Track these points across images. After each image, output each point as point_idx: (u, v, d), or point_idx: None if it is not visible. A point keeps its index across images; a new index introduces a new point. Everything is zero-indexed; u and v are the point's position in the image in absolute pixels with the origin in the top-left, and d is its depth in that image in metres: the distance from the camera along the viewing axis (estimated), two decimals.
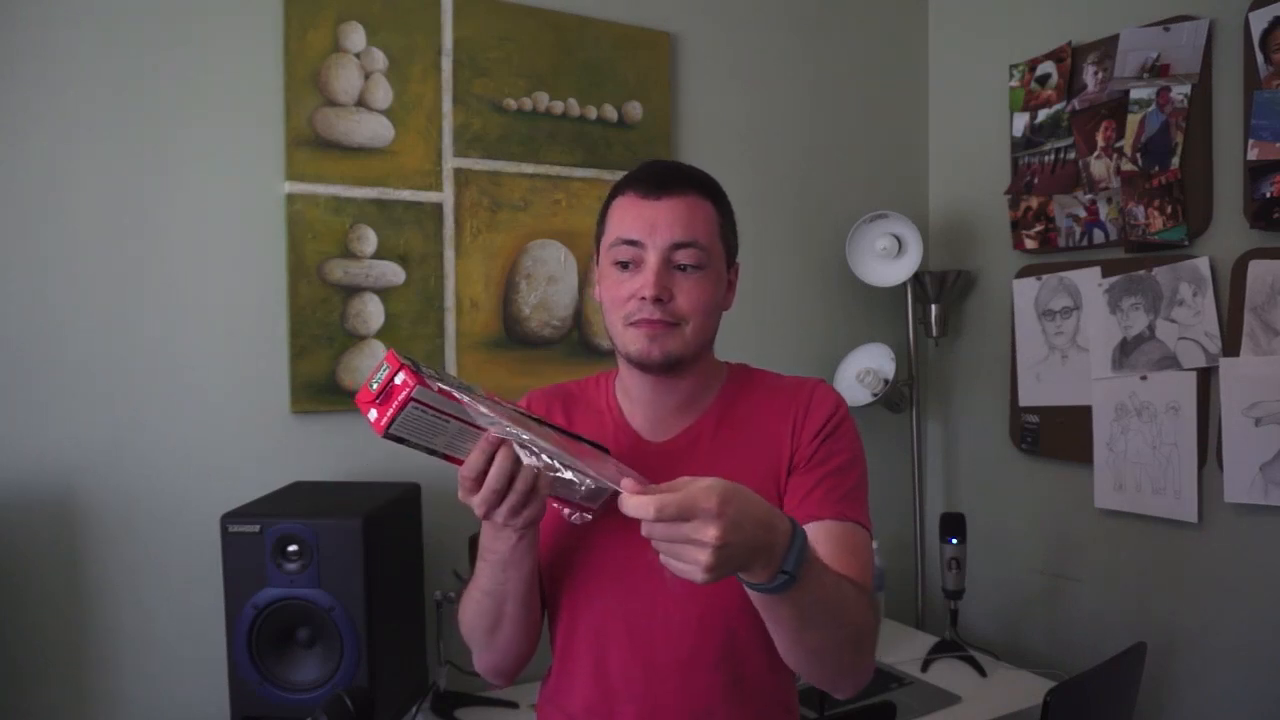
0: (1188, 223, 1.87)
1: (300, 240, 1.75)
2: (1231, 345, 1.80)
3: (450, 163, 1.89)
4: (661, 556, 0.77)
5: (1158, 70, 1.91)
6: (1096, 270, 2.05)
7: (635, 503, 0.73)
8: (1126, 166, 1.96)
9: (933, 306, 2.33)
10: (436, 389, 0.84)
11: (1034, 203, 2.17)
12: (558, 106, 2.00)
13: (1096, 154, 2.02)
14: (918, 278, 2.29)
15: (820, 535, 1.02)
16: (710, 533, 0.72)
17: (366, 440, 1.55)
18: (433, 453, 0.88)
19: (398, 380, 0.83)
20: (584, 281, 2.04)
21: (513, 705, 1.72)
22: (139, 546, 1.63)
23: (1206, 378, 1.86)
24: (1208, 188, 1.85)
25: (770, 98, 2.30)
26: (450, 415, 0.86)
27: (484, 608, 1.04)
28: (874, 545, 1.13)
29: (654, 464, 1.09)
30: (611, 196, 1.11)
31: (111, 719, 1.62)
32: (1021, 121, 2.20)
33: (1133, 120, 1.95)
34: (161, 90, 1.65)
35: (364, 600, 1.43)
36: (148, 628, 1.64)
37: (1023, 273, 2.23)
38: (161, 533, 1.65)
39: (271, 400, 1.74)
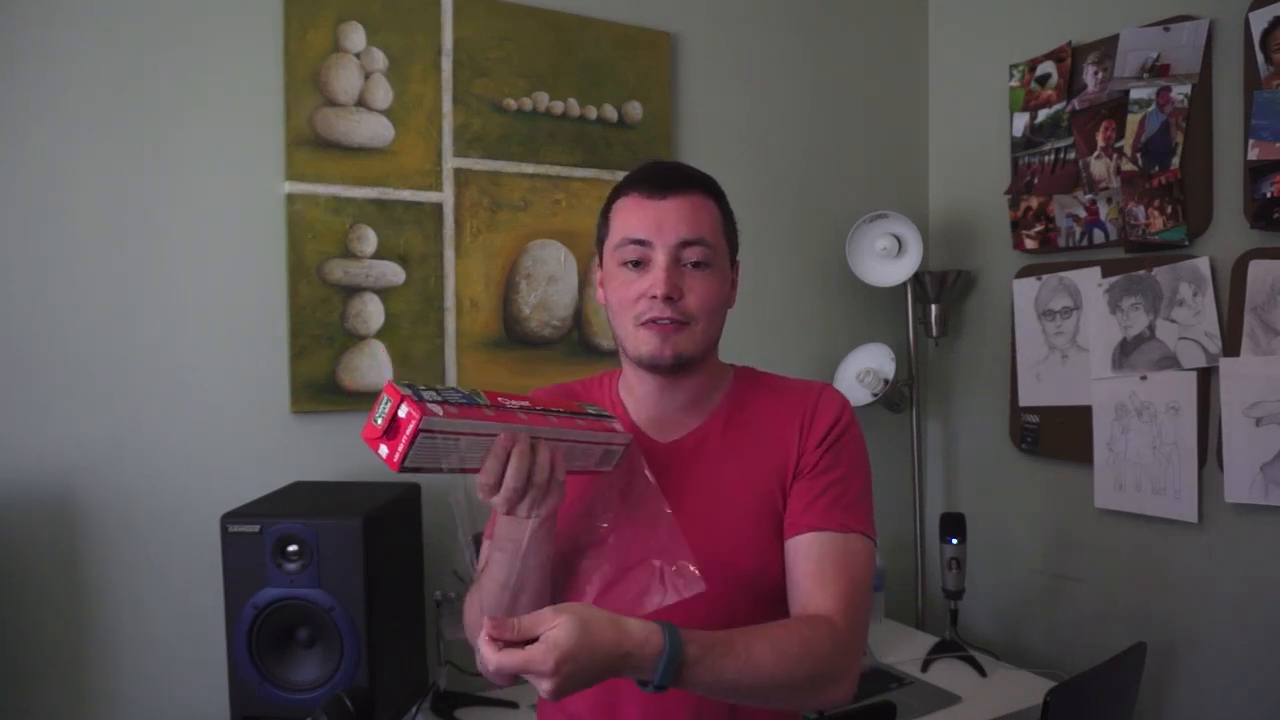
0: (1188, 223, 1.87)
1: (300, 240, 1.75)
2: (1231, 345, 1.80)
3: (450, 163, 1.89)
4: None
5: (1158, 70, 1.91)
6: (1096, 270, 2.05)
7: (486, 656, 0.79)
8: (1126, 166, 1.96)
9: (933, 306, 2.33)
10: (441, 413, 0.84)
11: (1034, 203, 2.17)
12: (558, 106, 2.00)
13: (1096, 154, 2.02)
14: (918, 278, 2.29)
15: (815, 550, 1.03)
16: (545, 686, 0.79)
17: None
18: (449, 471, 0.88)
19: (401, 414, 0.83)
20: (584, 281, 2.04)
21: (513, 705, 1.72)
22: (139, 546, 1.64)
23: (1206, 378, 1.86)
24: (1208, 188, 1.85)
25: (770, 98, 2.30)
26: (459, 433, 0.86)
27: (496, 600, 1.02)
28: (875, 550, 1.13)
29: (661, 464, 1.10)
30: (613, 198, 1.11)
31: (111, 719, 1.62)
32: (1021, 121, 2.20)
33: (1133, 120, 1.95)
34: (161, 90, 1.65)
35: (364, 600, 1.43)
36: (148, 628, 1.64)
37: (1023, 273, 2.22)
38: (161, 533, 1.65)
39: (271, 400, 1.74)
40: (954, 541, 2.05)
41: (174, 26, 1.65)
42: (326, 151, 1.76)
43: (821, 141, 2.37)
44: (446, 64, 1.88)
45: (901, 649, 2.03)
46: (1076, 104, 2.07)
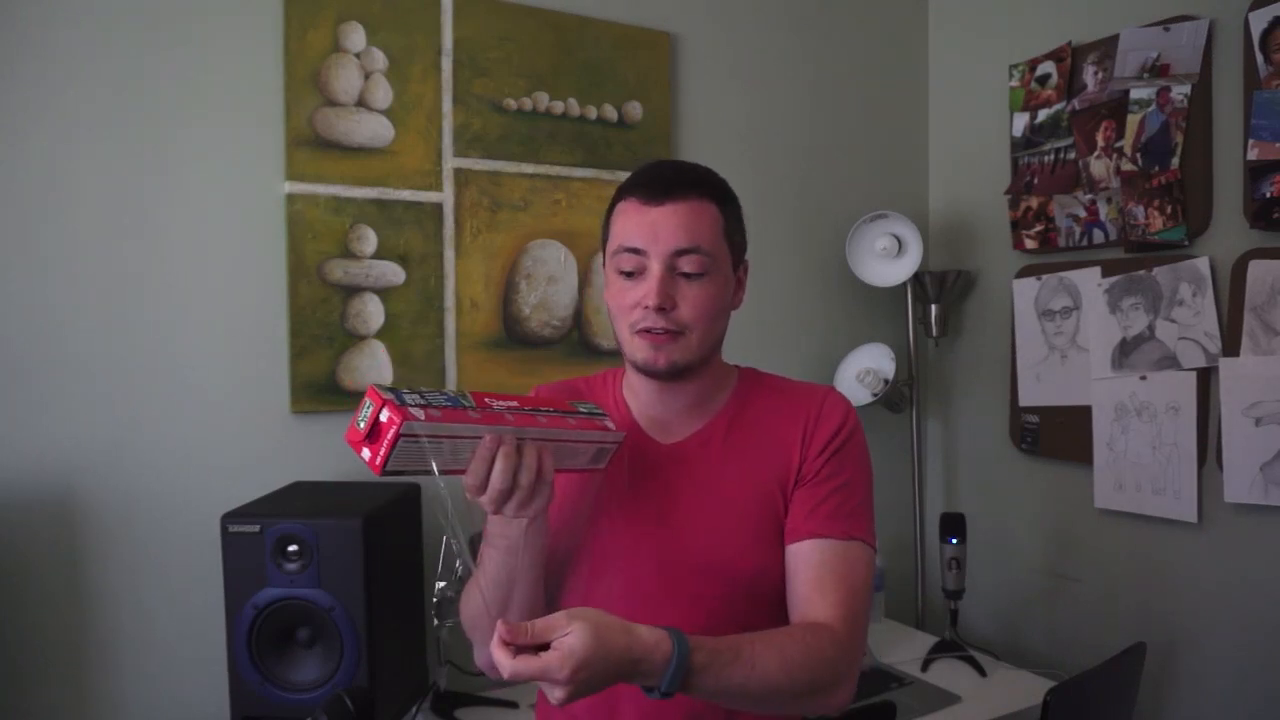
0: (1188, 223, 1.87)
1: (300, 240, 1.75)
2: (1231, 345, 1.80)
3: (450, 163, 1.89)
4: None
5: (1158, 70, 1.91)
6: (1096, 270, 2.05)
7: (499, 661, 0.80)
8: (1126, 166, 1.96)
9: (933, 306, 2.33)
10: (423, 416, 0.84)
11: (1034, 203, 2.17)
12: (558, 106, 2.00)
13: (1096, 154, 2.02)
14: (918, 278, 2.29)
15: (817, 557, 1.03)
16: (557, 693, 0.80)
17: None
18: (434, 473, 0.88)
19: (383, 418, 0.84)
20: (584, 281, 2.04)
21: (513, 705, 1.72)
22: (139, 546, 1.63)
23: (1206, 378, 1.86)
24: (1207, 188, 1.85)
25: (770, 98, 2.30)
26: (442, 436, 0.86)
27: (491, 597, 1.03)
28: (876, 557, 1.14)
29: (664, 466, 1.10)
30: (615, 200, 1.10)
31: (112, 719, 1.62)
32: (1021, 121, 2.20)
33: (1133, 120, 1.95)
34: (161, 90, 1.65)
35: (364, 600, 1.43)
36: (148, 628, 1.64)
37: (1023, 273, 2.22)
38: (161, 533, 1.65)
39: (271, 400, 1.74)
40: (954, 541, 2.05)
41: (174, 26, 1.65)
42: (326, 151, 1.76)
43: (821, 141, 2.37)
44: (446, 64, 1.88)
45: (901, 649, 2.03)
46: (1076, 104, 2.07)
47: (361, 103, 1.80)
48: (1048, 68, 2.14)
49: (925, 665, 1.95)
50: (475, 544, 1.10)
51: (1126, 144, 1.96)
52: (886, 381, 2.22)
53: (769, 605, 1.07)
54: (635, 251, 1.04)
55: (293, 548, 1.42)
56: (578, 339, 2.04)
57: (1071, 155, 2.09)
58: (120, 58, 1.61)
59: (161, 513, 1.65)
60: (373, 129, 1.81)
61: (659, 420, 1.13)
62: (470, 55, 1.90)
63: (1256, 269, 1.76)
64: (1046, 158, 2.15)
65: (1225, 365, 1.80)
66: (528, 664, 0.79)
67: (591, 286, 2.04)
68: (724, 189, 1.10)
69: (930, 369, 2.51)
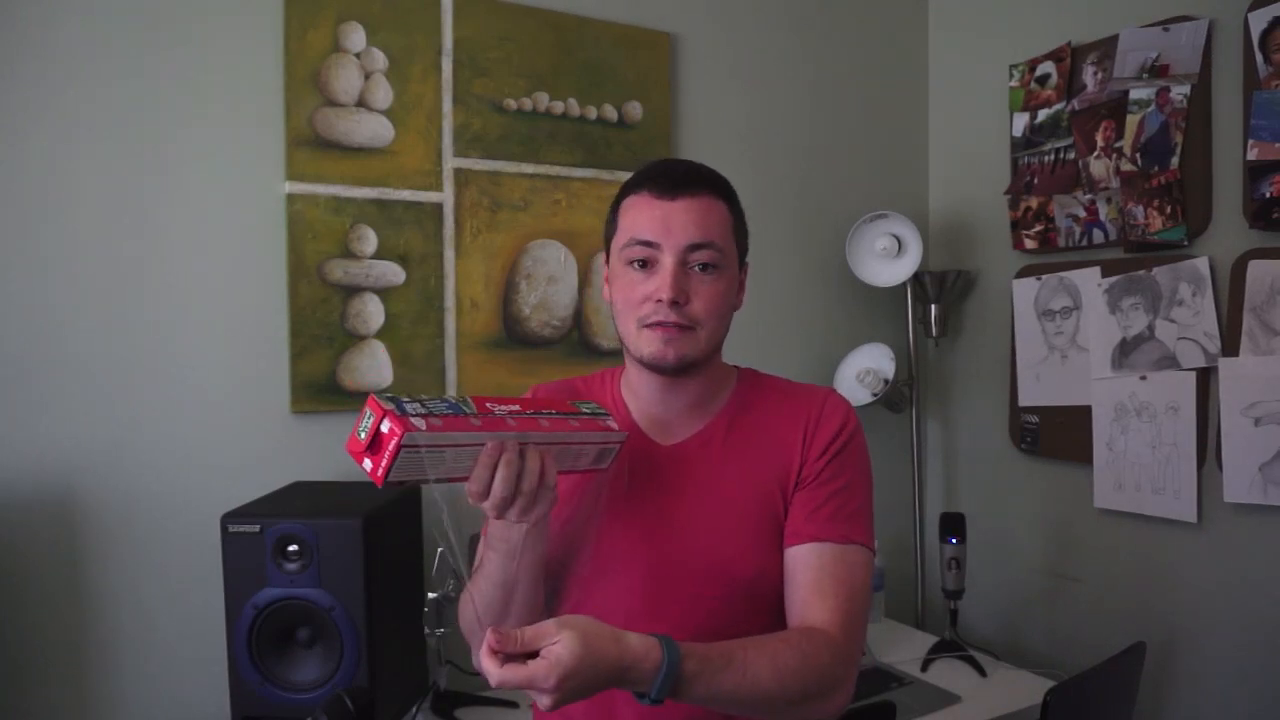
0: (1187, 223, 1.87)
1: (300, 240, 1.75)
2: (1231, 345, 1.80)
3: (450, 163, 1.89)
4: None
5: (1157, 70, 1.91)
6: (1096, 270, 2.05)
7: (487, 669, 0.80)
8: (1126, 166, 1.96)
9: (933, 306, 2.33)
10: (424, 426, 0.84)
11: (1034, 203, 2.17)
12: (558, 106, 2.00)
13: (1096, 154, 2.02)
14: (918, 278, 2.29)
15: (815, 560, 1.03)
16: (545, 700, 0.80)
17: None
18: (436, 481, 0.88)
19: (384, 429, 0.83)
20: (584, 281, 2.04)
21: (513, 705, 1.72)
22: (139, 546, 1.64)
23: (1206, 378, 1.86)
24: (1207, 188, 1.85)
25: (770, 98, 2.30)
26: (443, 445, 0.86)
27: (491, 599, 1.02)
28: (874, 559, 1.14)
29: (664, 466, 1.09)
30: (623, 194, 1.09)
31: (112, 719, 1.62)
32: (1021, 121, 2.20)
33: (1132, 120, 1.95)
34: (161, 90, 1.65)
35: (364, 600, 1.43)
36: (148, 628, 1.64)
37: (1023, 273, 2.23)
38: (161, 533, 1.65)
39: (271, 400, 1.74)
40: (954, 541, 2.05)
41: (174, 26, 1.65)
42: (326, 151, 1.77)
43: (821, 141, 2.37)
44: (446, 64, 1.88)
45: (901, 649, 2.03)
46: (1076, 104, 2.07)
47: (361, 103, 1.80)
48: (1048, 68, 2.14)
49: (925, 665, 1.95)
50: (474, 544, 1.10)
51: (1126, 144, 1.96)
52: (886, 381, 2.22)
53: (769, 606, 1.07)
54: (647, 244, 1.03)
55: (293, 548, 1.42)
56: (578, 339, 2.04)
57: (1071, 155, 2.09)
58: (120, 58, 1.62)
59: (161, 513, 1.65)
60: (373, 129, 1.81)
61: (659, 420, 1.12)
62: (470, 55, 1.90)
63: (1256, 269, 1.76)
64: (1046, 158, 2.15)
65: (1225, 365, 1.80)
66: (515, 672, 0.79)
67: (591, 286, 2.04)
68: (731, 189, 1.11)
69: (930, 369, 2.51)
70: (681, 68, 2.18)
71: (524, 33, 1.96)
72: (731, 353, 1.18)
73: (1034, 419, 2.22)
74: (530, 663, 0.80)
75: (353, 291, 1.80)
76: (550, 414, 0.99)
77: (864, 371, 2.25)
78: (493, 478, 0.90)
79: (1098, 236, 2.05)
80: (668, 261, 1.02)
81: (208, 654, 1.59)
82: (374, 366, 1.82)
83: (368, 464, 0.84)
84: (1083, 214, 2.07)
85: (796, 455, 1.09)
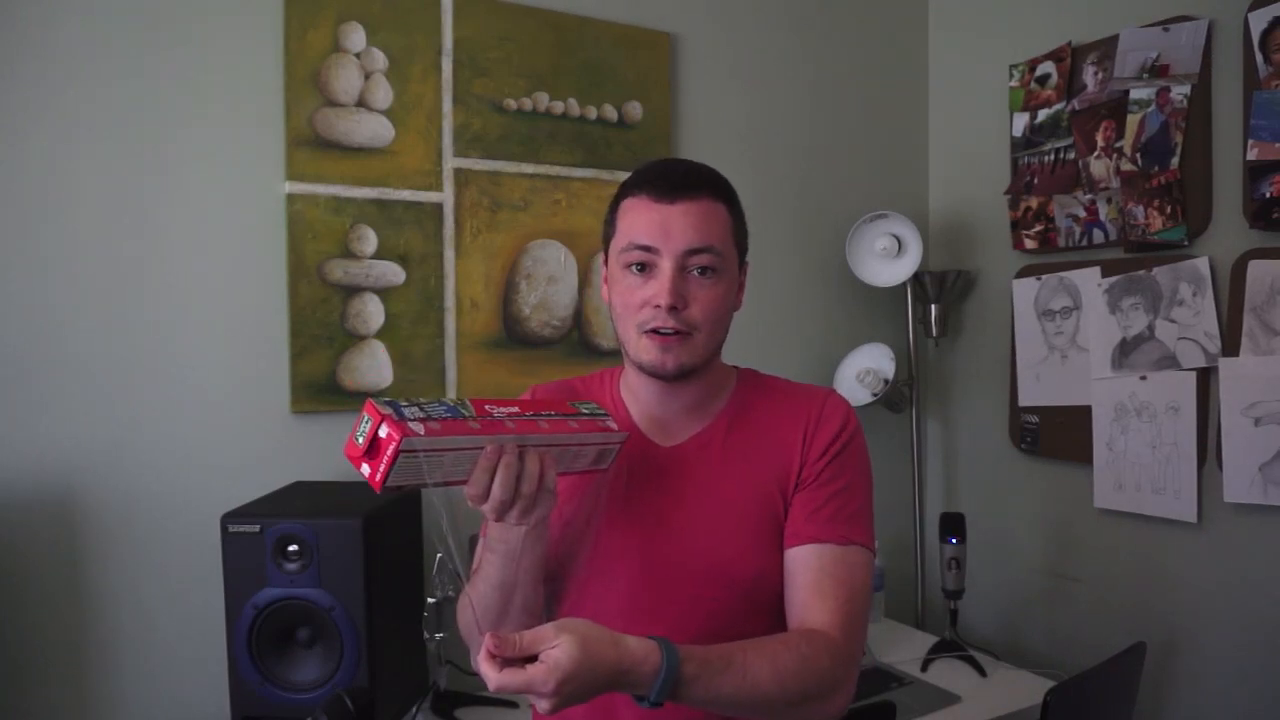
0: (1187, 223, 1.87)
1: (300, 240, 1.75)
2: (1231, 345, 1.80)
3: (450, 163, 1.89)
4: None
5: (1157, 70, 1.91)
6: (1096, 270, 2.05)
7: (485, 674, 0.80)
8: (1126, 166, 1.96)
9: (933, 306, 2.33)
10: (423, 431, 0.83)
11: (1034, 203, 2.17)
12: (558, 106, 2.00)
13: (1096, 154, 2.02)
14: (918, 278, 2.29)
15: (815, 562, 1.03)
16: (543, 704, 0.81)
17: None
18: (435, 486, 0.87)
19: (382, 434, 0.82)
20: (584, 281, 2.04)
21: (512, 705, 1.71)
22: (139, 546, 1.63)
23: (1206, 378, 1.86)
24: (1207, 188, 1.85)
25: (770, 98, 2.30)
26: (442, 449, 0.85)
27: (490, 601, 1.02)
28: (874, 560, 1.14)
29: (664, 468, 1.09)
30: (621, 195, 1.08)
31: (112, 719, 1.62)
32: (1021, 121, 2.20)
33: (1132, 120, 1.95)
34: (161, 90, 1.65)
35: (364, 600, 1.43)
36: (148, 628, 1.64)
37: (1023, 273, 2.23)
38: (161, 533, 1.65)
39: (271, 400, 1.74)
40: (954, 541, 2.05)
41: (174, 26, 1.65)
42: (326, 151, 1.76)
43: (821, 141, 2.37)
44: (446, 64, 1.88)
45: (901, 649, 2.03)
46: (1076, 104, 2.07)
47: (361, 103, 1.80)
48: (1048, 68, 2.14)
49: (925, 665, 1.95)
50: (473, 545, 1.10)
51: (1126, 144, 1.96)
52: (886, 381, 2.22)
53: (769, 608, 1.07)
54: (646, 249, 1.03)
55: (293, 548, 1.42)
56: (578, 339, 2.04)
57: (1071, 155, 2.09)
58: (120, 58, 1.61)
59: (161, 513, 1.65)
60: (373, 129, 1.81)
61: (658, 422, 1.12)
62: (470, 55, 1.90)
63: (1256, 269, 1.76)
64: (1046, 158, 2.15)
65: (1225, 365, 1.80)
66: (513, 677, 0.80)
67: (591, 286, 2.04)
68: (731, 190, 1.10)
69: (930, 369, 2.51)
70: (681, 68, 2.18)
71: (524, 33, 1.96)
72: (731, 353, 1.18)
73: (1034, 419, 2.22)
74: (529, 667, 0.80)
75: (353, 291, 1.80)
76: (550, 415, 0.98)
77: (864, 371, 2.25)
78: (492, 481, 0.90)
79: (1098, 236, 2.05)
80: (666, 266, 1.02)
81: (208, 654, 1.59)
82: (374, 366, 1.82)
83: (365, 469, 0.84)
84: (1083, 214, 2.07)
85: (796, 456, 1.08)
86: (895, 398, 2.33)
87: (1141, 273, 1.95)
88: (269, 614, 1.43)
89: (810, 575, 1.03)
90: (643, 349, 1.04)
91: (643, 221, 1.04)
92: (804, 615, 1.02)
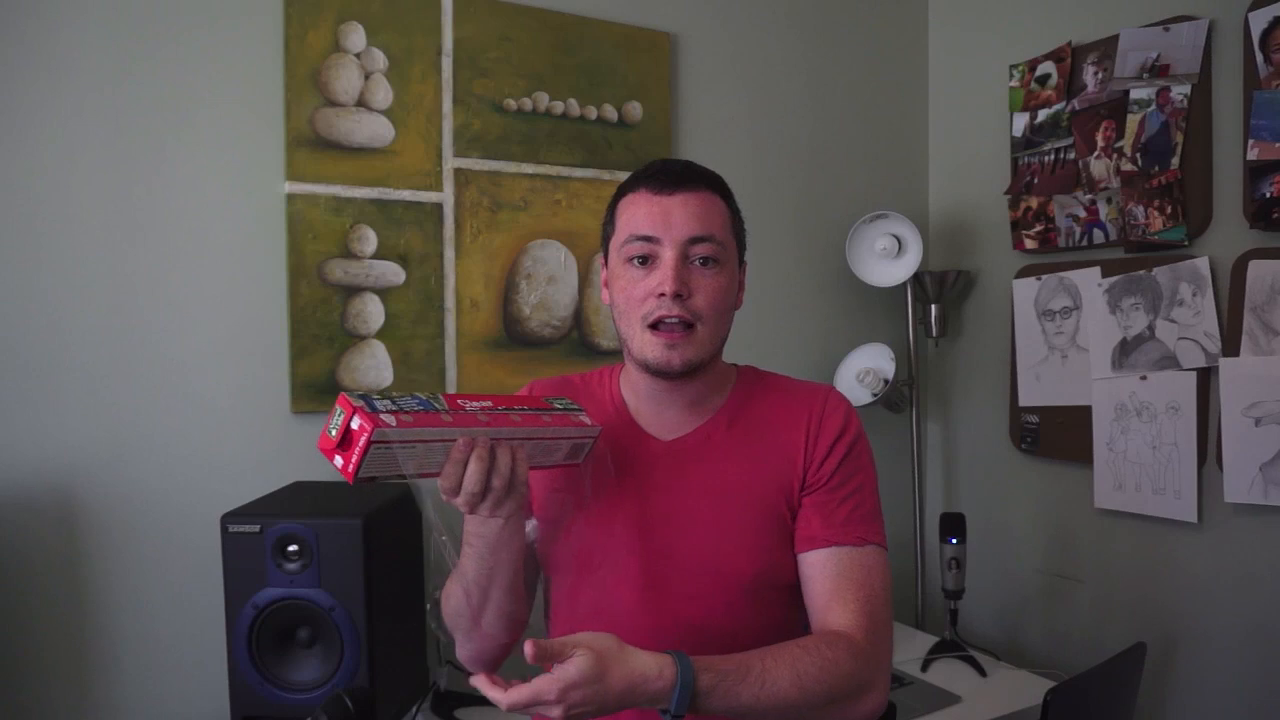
0: (1187, 223, 1.87)
1: (300, 240, 1.75)
2: (1231, 345, 1.80)
3: (450, 163, 1.89)
4: None
5: (1157, 70, 1.91)
6: (1096, 270, 2.05)
7: (492, 697, 0.82)
8: (1126, 166, 1.96)
9: (933, 306, 2.33)
10: (394, 423, 0.85)
11: (1034, 203, 2.17)
12: (558, 106, 2.00)
13: (1096, 154, 2.02)
14: (918, 278, 2.29)
15: (833, 565, 1.03)
16: (554, 713, 0.82)
17: None
18: (408, 478, 0.89)
19: (354, 425, 0.84)
20: (584, 281, 2.04)
21: None
22: (139, 546, 1.63)
23: (1206, 378, 1.86)
24: (1207, 188, 1.85)
25: (770, 98, 2.30)
26: (414, 440, 0.87)
27: (470, 596, 1.03)
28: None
29: (663, 463, 1.09)
30: (620, 195, 1.09)
31: (112, 719, 1.62)
32: (1021, 121, 2.20)
33: (1132, 120, 1.95)
34: (162, 90, 1.65)
35: (364, 600, 1.43)
36: (148, 628, 1.64)
37: (1023, 273, 2.23)
38: (161, 533, 1.65)
39: (272, 400, 1.74)
40: (954, 541, 2.05)
41: (174, 27, 1.65)
42: (326, 151, 1.76)
43: (821, 141, 2.37)
44: (446, 64, 1.88)
45: (901, 649, 2.03)
46: (1076, 104, 2.07)
47: (361, 103, 1.80)
48: (1048, 68, 2.14)
49: (925, 665, 1.95)
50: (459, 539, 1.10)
51: (1126, 144, 1.96)
52: (886, 381, 2.22)
53: (776, 604, 1.07)
54: (647, 239, 1.03)
55: (293, 548, 1.42)
56: (578, 339, 2.04)
57: (1071, 155, 2.09)
58: (120, 58, 1.61)
59: (161, 513, 1.65)
60: (373, 129, 1.81)
61: (660, 417, 1.12)
62: (470, 55, 1.90)
63: (1256, 269, 1.76)
64: (1046, 158, 2.15)
65: (1225, 365, 1.80)
66: (519, 693, 0.82)
67: (591, 286, 2.04)
68: (728, 189, 1.11)
69: (930, 369, 2.51)
70: (681, 68, 2.18)
71: (524, 33, 1.96)
72: (732, 353, 1.18)
73: (1034, 419, 2.22)
74: (535, 680, 0.81)
75: (353, 291, 1.80)
76: (522, 410, 0.99)
77: (864, 371, 2.25)
78: (463, 474, 0.91)
79: (1098, 236, 2.05)
80: (669, 255, 1.02)
81: (208, 654, 1.59)
82: (374, 366, 1.82)
83: (338, 461, 0.85)
84: (1083, 214, 2.07)
85: (800, 456, 1.08)
86: (895, 398, 2.33)
87: (1141, 273, 1.95)
88: (269, 614, 1.43)
89: (829, 581, 1.03)
90: (648, 346, 1.04)
91: (643, 213, 1.04)
92: (825, 619, 1.02)
